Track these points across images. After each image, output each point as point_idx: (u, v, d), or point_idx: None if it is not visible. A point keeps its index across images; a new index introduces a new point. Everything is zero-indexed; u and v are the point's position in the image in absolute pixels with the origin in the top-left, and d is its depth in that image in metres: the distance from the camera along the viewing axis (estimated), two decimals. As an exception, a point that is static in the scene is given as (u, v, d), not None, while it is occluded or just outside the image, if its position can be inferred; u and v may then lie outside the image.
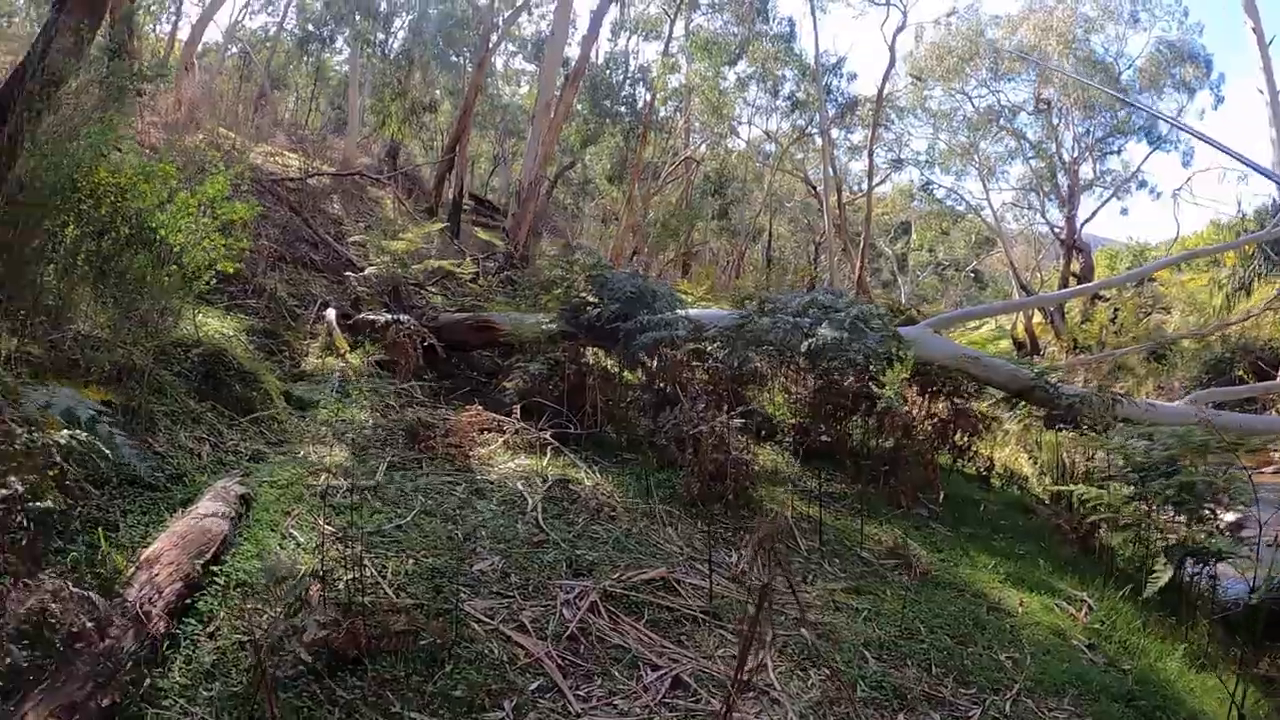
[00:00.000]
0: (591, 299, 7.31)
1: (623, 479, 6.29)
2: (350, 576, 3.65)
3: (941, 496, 7.83)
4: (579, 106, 25.41)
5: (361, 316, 7.93)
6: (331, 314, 7.99)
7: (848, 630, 4.58)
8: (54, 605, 2.77)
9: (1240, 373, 20.10)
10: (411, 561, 4.28)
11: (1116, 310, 28.08)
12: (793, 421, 8.62)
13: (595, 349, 7.81)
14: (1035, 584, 6.25)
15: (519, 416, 6.67)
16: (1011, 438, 11.44)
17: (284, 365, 7.29)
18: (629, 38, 28.36)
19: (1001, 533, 7.61)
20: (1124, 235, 54.64)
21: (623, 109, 25.58)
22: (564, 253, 8.21)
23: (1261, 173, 15.23)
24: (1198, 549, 6.28)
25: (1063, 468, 10.01)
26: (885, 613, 4.96)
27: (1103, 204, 34.40)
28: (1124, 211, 63.17)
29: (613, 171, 26.34)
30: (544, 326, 7.68)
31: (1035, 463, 11.49)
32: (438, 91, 25.67)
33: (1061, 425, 9.39)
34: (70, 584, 2.95)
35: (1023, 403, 9.80)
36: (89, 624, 2.83)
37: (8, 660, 2.60)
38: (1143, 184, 34.39)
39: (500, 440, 6.39)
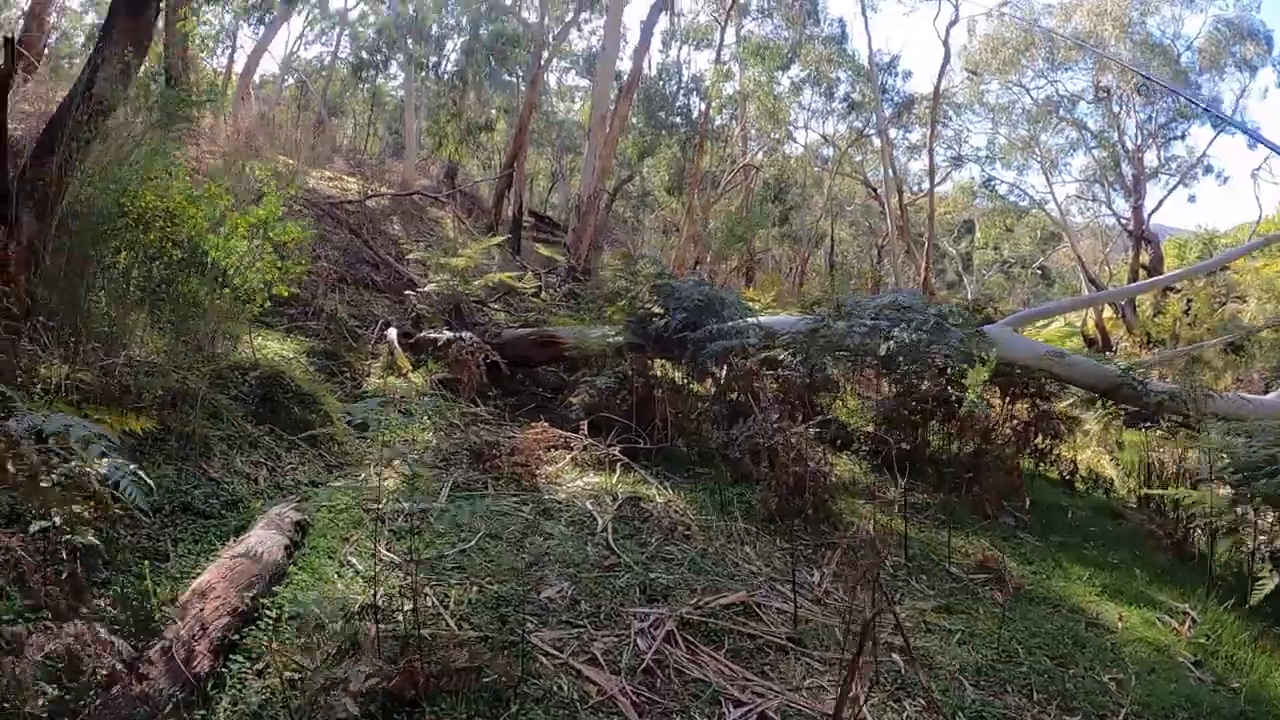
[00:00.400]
0: (657, 309, 6.99)
1: (695, 495, 5.98)
2: (409, 608, 3.38)
3: (1027, 504, 7.44)
4: (634, 119, 25.25)
5: (423, 335, 7.71)
6: (393, 333, 7.78)
7: (942, 655, 4.24)
8: (78, 648, 2.54)
9: None
10: (475, 589, 4.00)
11: (1190, 301, 27.26)
12: (869, 429, 8.23)
13: (663, 361, 7.48)
14: (1133, 596, 5.86)
15: (586, 433, 6.38)
16: (1092, 439, 10.98)
17: (345, 386, 7.09)
18: (680, 48, 28.18)
19: (1092, 540, 7.20)
20: (1192, 223, 53.31)
21: (678, 119, 25.41)
22: (626, 264, 7.85)
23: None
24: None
25: (1150, 469, 9.49)
26: (979, 633, 4.61)
27: (1169, 192, 33.41)
28: (1192, 199, 61.55)
29: (671, 183, 26.12)
30: (609, 339, 7.35)
31: (1118, 464, 11.03)
32: (493, 111, 25.65)
33: (1148, 424, 8.98)
34: (99, 626, 2.72)
35: (1107, 402, 9.38)
36: (119, 666, 2.61)
37: (40, 701, 2.44)
38: (1209, 169, 33.32)
39: (568, 458, 6.11)
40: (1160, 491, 7.49)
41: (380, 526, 4.35)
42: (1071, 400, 9.78)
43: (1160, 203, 32.98)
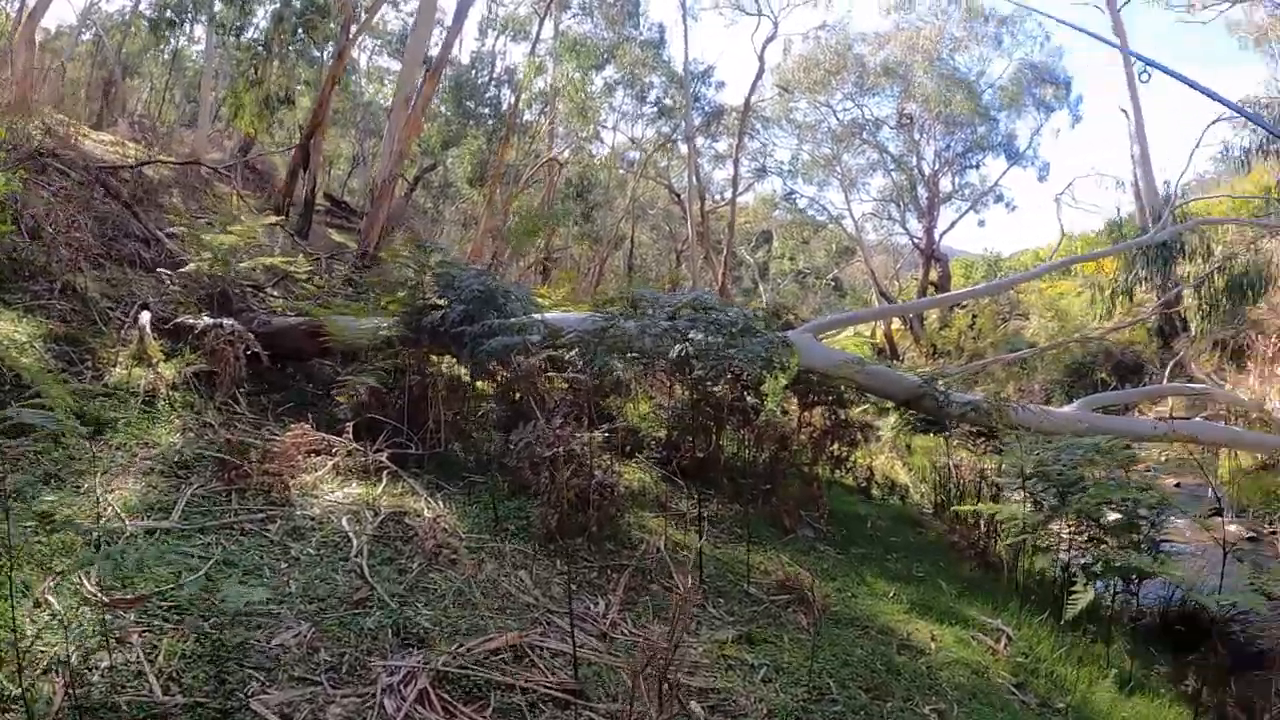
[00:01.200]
0: (438, 301, 6.20)
1: (468, 509, 5.22)
2: (106, 664, 2.61)
3: (826, 513, 7.12)
4: (442, 108, 24.42)
5: (180, 320, 6.69)
6: (145, 317, 6.72)
7: (746, 697, 3.69)
8: None
9: (1103, 375, 20.39)
10: (194, 637, 3.18)
11: (975, 317, 28.49)
12: (660, 434, 7.70)
13: (450, 357, 6.69)
14: (943, 612, 5.56)
15: (352, 436, 5.51)
16: (885, 445, 10.87)
17: (84, 377, 6.04)
18: (497, 38, 27.52)
19: (894, 551, 6.96)
20: (979, 246, 56.18)
21: (486, 110, 24.78)
22: (415, 252, 7.01)
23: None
24: (1124, 568, 5.61)
25: (945, 476, 9.37)
26: (787, 667, 4.10)
27: (960, 216, 35.86)
28: (981, 223, 65.01)
29: (474, 174, 25.23)
30: (381, 331, 6.47)
31: (910, 469, 10.95)
32: (299, 87, 24.14)
33: (940, 430, 8.88)
34: None
35: (901, 409, 9.25)
36: None
37: None
38: (999, 197, 35.85)
39: (329, 465, 5.24)
40: (971, 507, 7.22)
41: (93, 554, 3.51)
42: (865, 407, 9.60)
43: (952, 224, 35.50)
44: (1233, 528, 10.86)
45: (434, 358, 6.64)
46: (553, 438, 4.86)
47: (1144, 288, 17.93)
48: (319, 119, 14.46)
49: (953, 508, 8.03)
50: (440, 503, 5.17)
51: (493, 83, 26.07)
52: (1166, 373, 17.25)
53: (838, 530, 7.04)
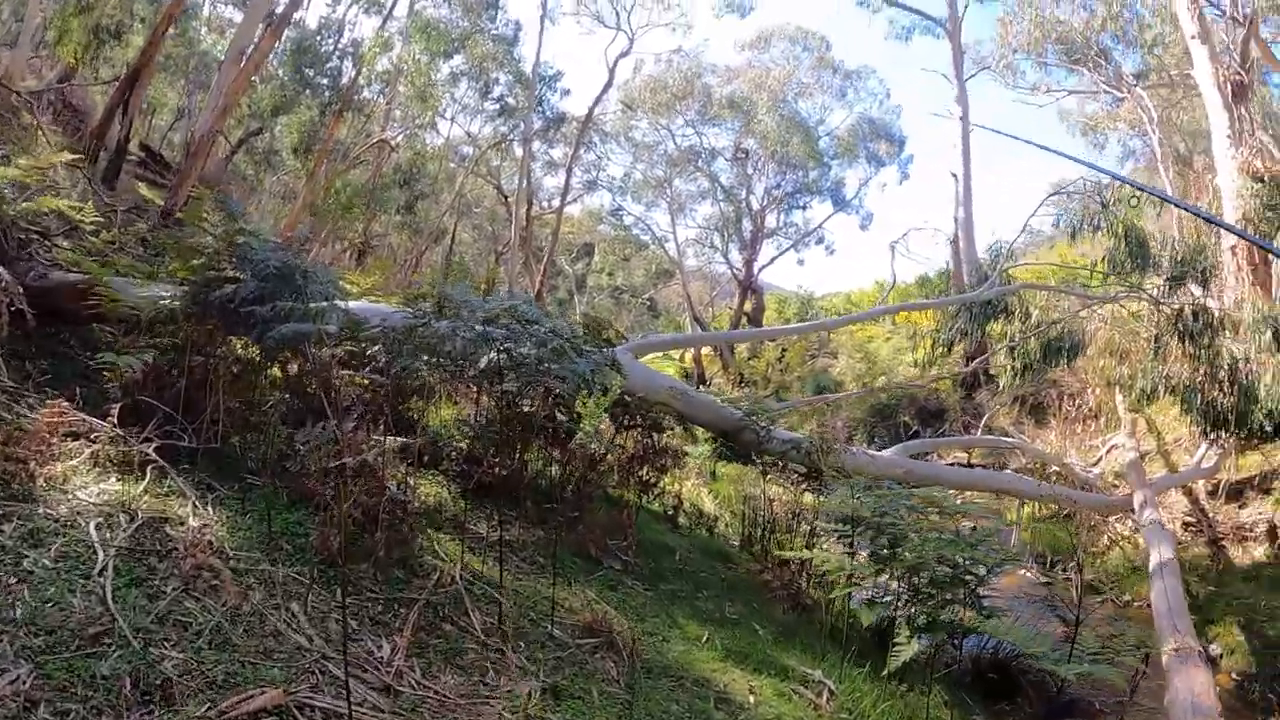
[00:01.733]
0: (235, 274, 5.33)
1: (240, 520, 4.35)
2: None
3: (634, 543, 6.61)
4: (279, 71, 23.14)
5: (-73, 261, 5.61)
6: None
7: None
8: None
9: (906, 419, 21.04)
10: None
11: (784, 350, 29.01)
12: (462, 445, 6.88)
13: (242, 339, 5.77)
14: (761, 661, 5.17)
15: (117, 420, 4.54)
16: (691, 472, 10.53)
17: None
18: (349, 6, 26.08)
19: (705, 589, 6.53)
20: (793, 283, 57.62)
21: (325, 81, 23.57)
22: (220, 218, 6.07)
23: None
24: (951, 624, 5.44)
25: (755, 510, 9.09)
26: (598, 731, 3.58)
27: (781, 252, 37.08)
28: (800, 262, 66.61)
29: (301, 144, 23.78)
30: (163, 301, 5.45)
31: (717, 498, 10.69)
32: (134, 24, 22.20)
33: (760, 466, 8.67)
34: None
35: (722, 442, 8.97)
36: None
37: None
38: (820, 240, 37.08)
39: (87, 453, 4.35)
40: (797, 554, 6.90)
41: None
42: (675, 431, 9.25)
43: (772, 260, 36.94)
44: (1029, 574, 11.17)
45: (225, 338, 5.71)
46: (344, 443, 4.15)
47: (965, 342, 18.60)
48: (148, 58, 13.17)
49: (773, 551, 7.75)
50: (210, 509, 4.33)
51: (337, 52, 24.77)
52: (982, 424, 17.88)
53: (646, 562, 6.58)
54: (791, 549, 7.07)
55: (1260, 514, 11.75)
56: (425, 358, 5.09)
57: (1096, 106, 31.79)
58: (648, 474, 7.96)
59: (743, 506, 9.82)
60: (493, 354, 4.85)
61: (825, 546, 7.29)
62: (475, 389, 6.50)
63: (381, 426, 4.95)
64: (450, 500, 6.08)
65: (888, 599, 5.86)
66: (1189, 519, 12.33)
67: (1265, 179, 13.88)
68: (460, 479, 6.33)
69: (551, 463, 6.99)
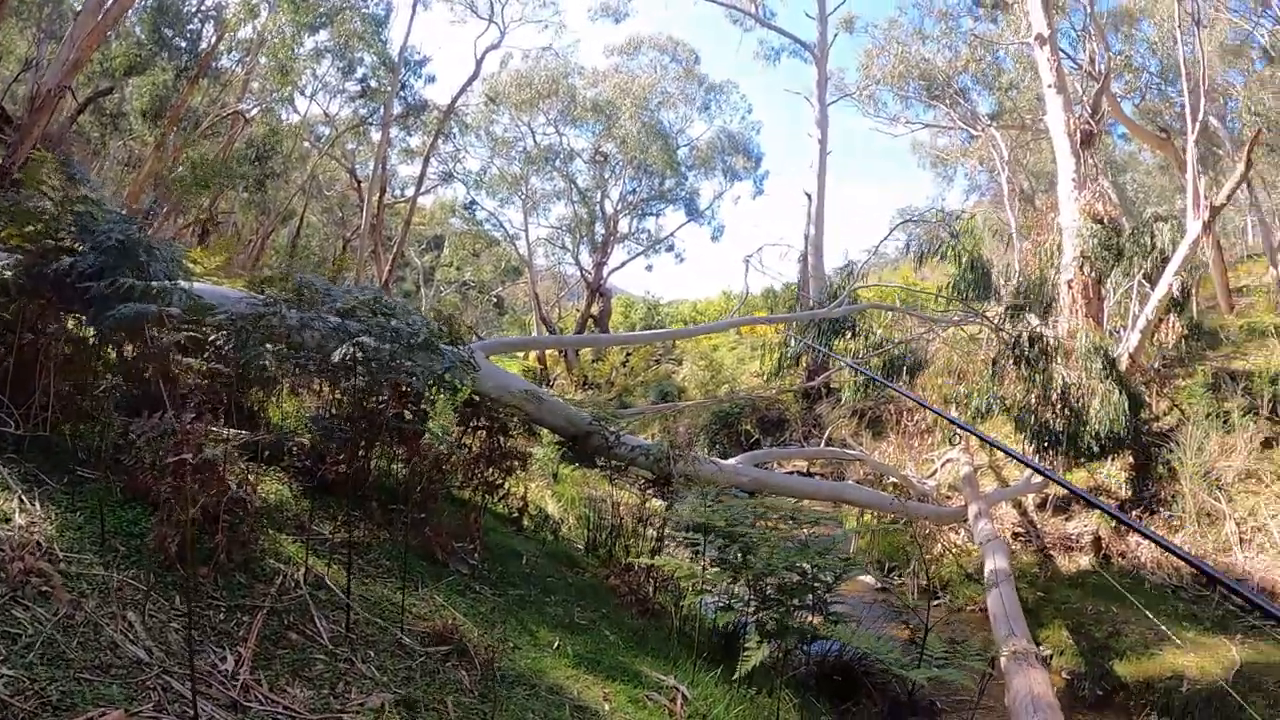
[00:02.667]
0: (76, 245, 4.86)
1: (71, 517, 3.91)
2: None
3: (481, 546, 6.39)
4: (136, 28, 21.98)
5: None
6: None
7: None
8: None
9: (748, 427, 21.49)
10: None
11: (629, 354, 29.12)
12: (305, 439, 6.46)
13: (80, 316, 5.25)
14: (613, 667, 5.05)
15: None
16: (535, 472, 10.39)
17: None
18: (222, -30, 24.93)
19: (553, 594, 6.36)
20: (640, 289, 58.18)
21: (184, 44, 22.48)
22: (64, 183, 5.51)
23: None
24: (800, 629, 5.39)
25: (600, 514, 9.14)
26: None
27: (631, 257, 37.34)
28: (649, 268, 67.55)
29: (151, 108, 22.56)
30: None
31: (560, 500, 10.54)
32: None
33: (606, 470, 8.61)
34: None
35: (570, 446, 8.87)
36: None
37: None
38: (671, 248, 37.53)
39: None
40: (652, 561, 6.81)
41: None
42: (518, 432, 9.07)
43: (622, 264, 37.35)
44: (868, 579, 11.42)
45: (58, 314, 5.18)
46: (181, 435, 3.77)
47: (810, 356, 19.13)
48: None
49: (619, 556, 7.68)
50: (38, 505, 3.89)
51: (199, 15, 23.67)
52: (826, 436, 18.30)
53: (494, 566, 6.35)
54: (639, 554, 6.99)
55: (1085, 526, 12.61)
56: (272, 348, 4.75)
57: (948, 141, 33.39)
58: (494, 475, 7.72)
59: (588, 511, 9.78)
60: (347, 347, 4.56)
61: (672, 552, 7.27)
62: (322, 382, 6.15)
63: (222, 419, 4.57)
64: (292, 499, 5.71)
65: (737, 605, 5.90)
66: (1019, 530, 13.07)
67: (1104, 221, 15.15)
68: (302, 476, 5.96)
69: (397, 461, 6.69)
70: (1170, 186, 29.11)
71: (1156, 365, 15.15)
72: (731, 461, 10.20)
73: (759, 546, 5.68)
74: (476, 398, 7.71)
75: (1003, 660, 6.64)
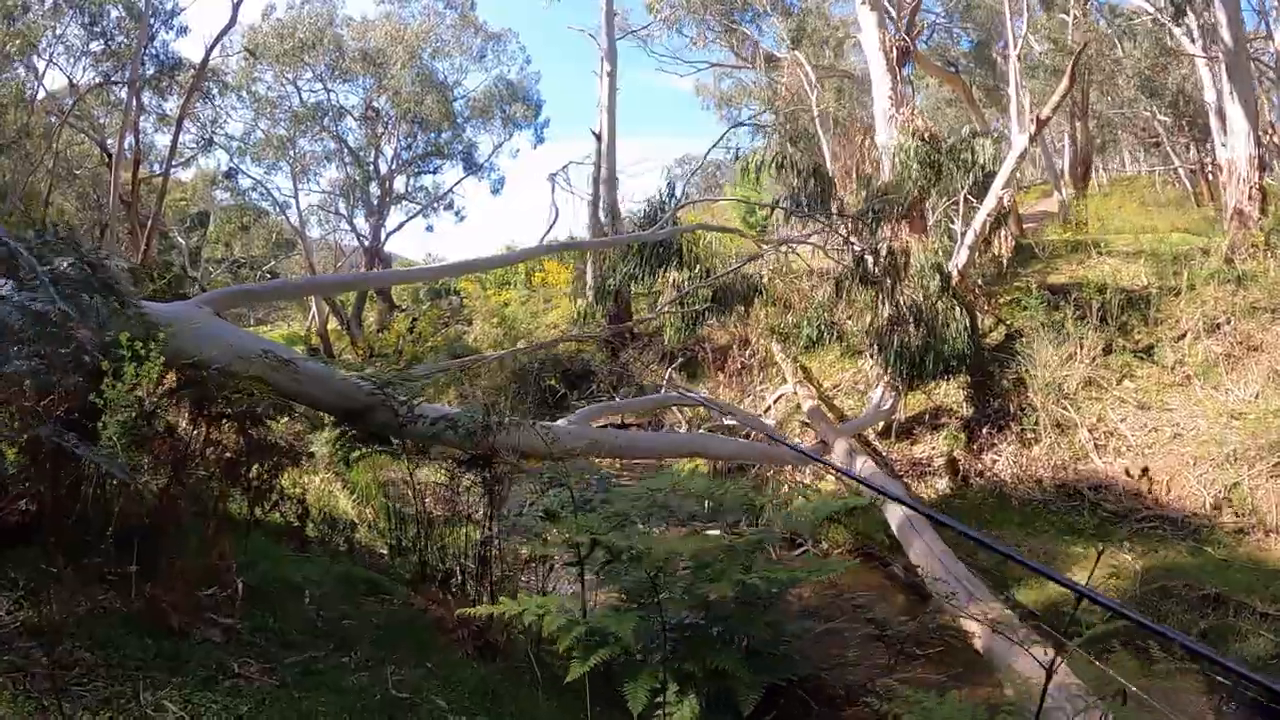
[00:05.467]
0: None
1: None
2: None
3: (239, 589, 3.98)
4: None
5: None
6: None
7: None
8: None
9: (551, 382, 20.88)
10: None
11: (415, 320, 27.23)
12: None
13: None
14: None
15: None
16: (320, 463, 7.90)
17: None
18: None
19: (355, 647, 4.15)
20: (422, 254, 55.52)
21: None
22: None
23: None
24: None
25: (401, 504, 7.45)
26: None
27: (410, 218, 36.36)
28: (429, 229, 64.80)
29: None
30: None
31: (353, 493, 8.64)
32: None
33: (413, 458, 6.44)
34: None
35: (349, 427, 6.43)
36: None
37: None
38: (450, 205, 36.05)
39: None
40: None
41: None
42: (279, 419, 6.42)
43: (400, 226, 35.84)
44: (714, 532, 10.30)
45: None
46: None
47: (608, 302, 17.97)
48: None
49: (432, 563, 5.62)
50: None
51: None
52: (667, 381, 17.24)
53: (263, 618, 4.08)
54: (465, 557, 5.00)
55: (934, 449, 12.79)
56: None
57: (728, 84, 32.67)
58: (259, 476, 5.39)
59: (386, 500, 8.06)
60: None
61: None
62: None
63: None
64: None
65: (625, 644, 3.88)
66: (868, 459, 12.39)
67: (925, 137, 15.09)
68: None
69: (106, 481, 4.27)
70: (959, 119, 28.94)
71: (979, 282, 15.19)
72: (563, 423, 7.92)
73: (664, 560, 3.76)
74: (202, 372, 5.10)
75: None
